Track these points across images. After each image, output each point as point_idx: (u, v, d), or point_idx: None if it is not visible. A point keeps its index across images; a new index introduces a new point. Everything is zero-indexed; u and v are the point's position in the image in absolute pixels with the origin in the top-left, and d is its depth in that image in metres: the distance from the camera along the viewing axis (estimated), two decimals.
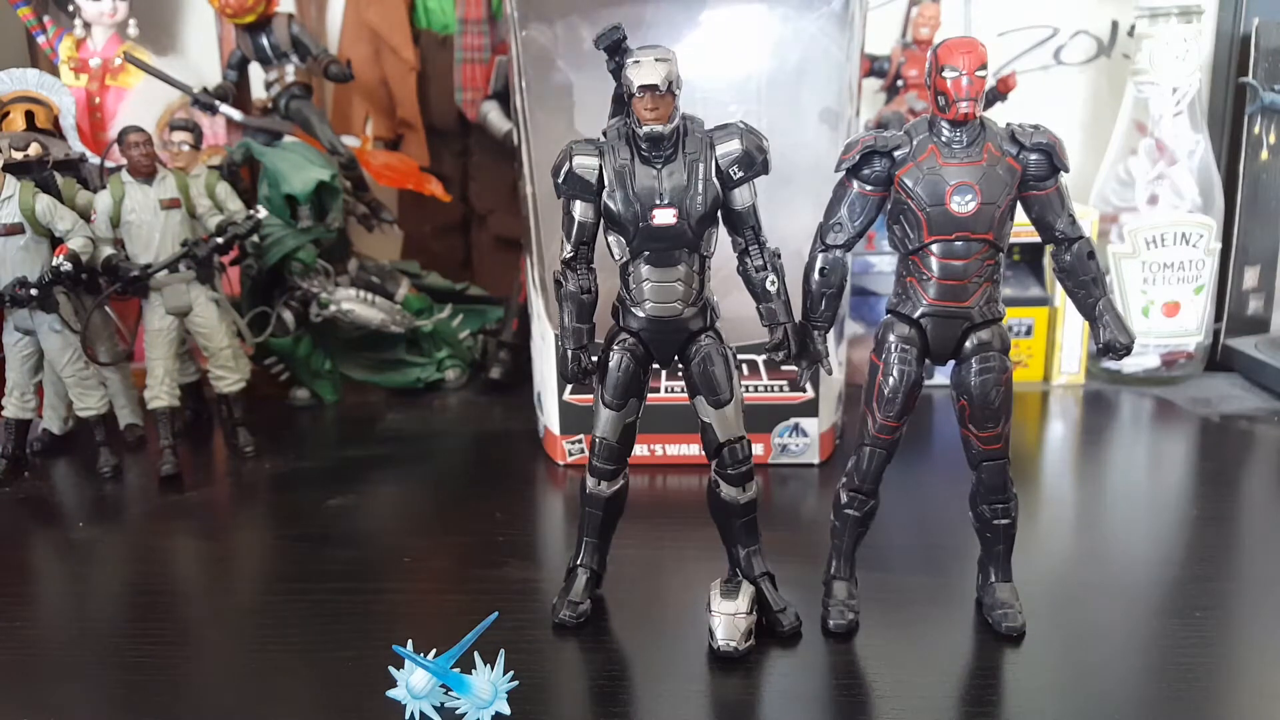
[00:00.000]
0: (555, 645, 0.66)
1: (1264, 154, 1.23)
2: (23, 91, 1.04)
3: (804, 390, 0.94)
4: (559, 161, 0.62)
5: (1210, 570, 0.75)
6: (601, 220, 0.62)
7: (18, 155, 0.92)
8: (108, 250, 0.93)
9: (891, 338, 0.64)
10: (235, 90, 1.17)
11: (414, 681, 0.55)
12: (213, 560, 0.82)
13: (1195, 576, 0.74)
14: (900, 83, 1.24)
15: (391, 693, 0.55)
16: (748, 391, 0.92)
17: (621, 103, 0.63)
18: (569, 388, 0.94)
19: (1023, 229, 0.62)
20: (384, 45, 1.27)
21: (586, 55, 0.95)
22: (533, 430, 1.04)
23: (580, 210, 0.62)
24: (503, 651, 0.56)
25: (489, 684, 0.55)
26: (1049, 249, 0.64)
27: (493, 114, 1.23)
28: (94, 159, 1.04)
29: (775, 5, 0.95)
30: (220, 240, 0.96)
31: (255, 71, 1.19)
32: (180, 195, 0.95)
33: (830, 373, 0.69)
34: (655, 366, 0.66)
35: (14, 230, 0.89)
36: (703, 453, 0.67)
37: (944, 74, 0.59)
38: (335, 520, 0.87)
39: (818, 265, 0.64)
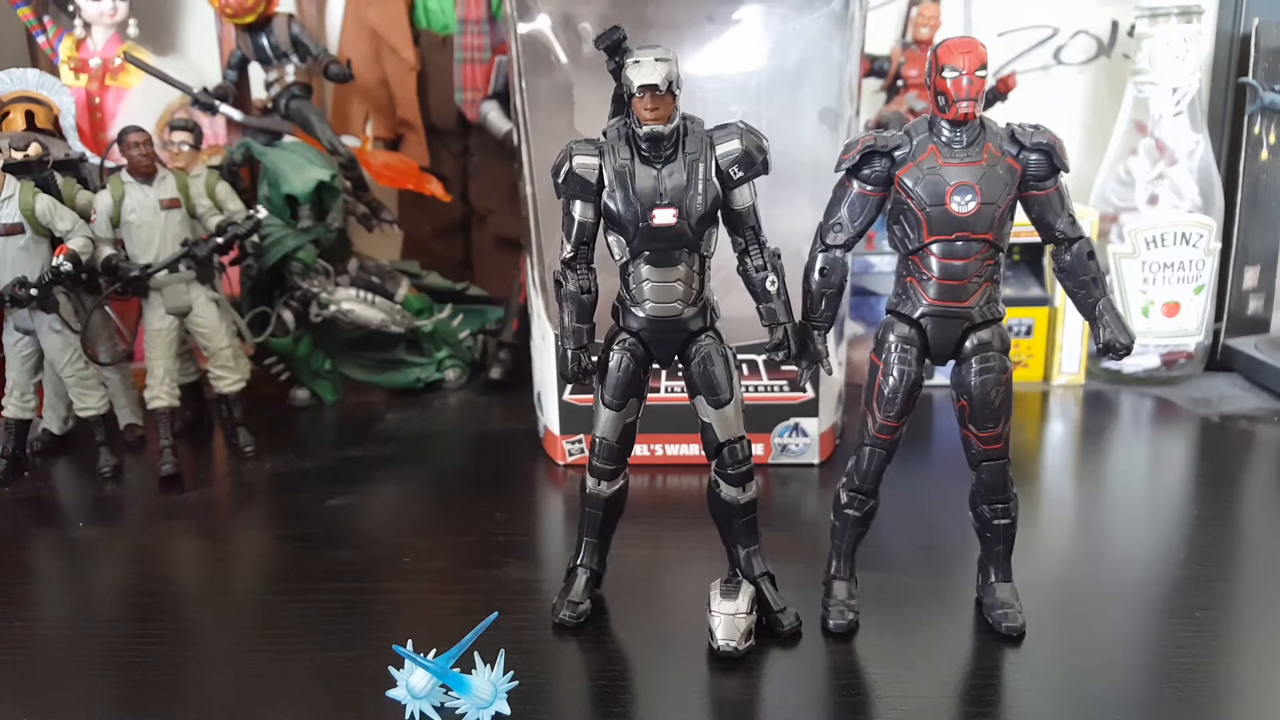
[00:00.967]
0: (555, 645, 0.66)
1: (1264, 154, 1.23)
2: (23, 91, 1.04)
3: (804, 390, 0.94)
4: (559, 161, 0.62)
5: (1210, 570, 0.75)
6: (601, 220, 0.62)
7: (18, 155, 0.92)
8: (108, 250, 0.93)
9: (891, 338, 0.64)
10: (235, 90, 1.17)
11: (414, 681, 0.55)
12: (213, 560, 0.82)
13: (1195, 576, 0.74)
14: (900, 83, 1.24)
15: (391, 693, 0.55)
16: (748, 391, 0.92)
17: (621, 103, 0.63)
18: (569, 388, 0.94)
19: (1023, 229, 0.62)
20: (384, 45, 1.27)
21: (586, 55, 0.95)
22: (533, 430, 1.04)
23: (580, 210, 0.62)
24: (503, 651, 0.56)
25: (489, 684, 0.55)
26: (1049, 249, 0.64)
27: (493, 114, 1.23)
28: (94, 159, 1.04)
29: (775, 5, 0.95)
30: (220, 240, 0.96)
31: (255, 71, 1.19)
32: (180, 195, 0.95)
33: (830, 373, 0.69)
34: (655, 366, 0.66)
35: (14, 230, 0.89)
36: (703, 453, 0.67)
37: (944, 74, 0.59)
38: (335, 520, 0.87)
39: (818, 265, 0.64)
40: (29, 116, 1.01)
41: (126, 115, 1.20)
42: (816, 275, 0.64)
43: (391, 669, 0.56)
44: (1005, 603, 0.66)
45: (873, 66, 1.24)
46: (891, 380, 0.63)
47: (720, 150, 0.61)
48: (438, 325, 1.19)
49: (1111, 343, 0.63)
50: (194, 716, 0.60)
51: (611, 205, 0.61)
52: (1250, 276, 1.26)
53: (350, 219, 1.17)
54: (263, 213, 1.00)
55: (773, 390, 0.94)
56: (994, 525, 0.66)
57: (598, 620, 0.69)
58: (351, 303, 1.12)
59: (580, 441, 0.96)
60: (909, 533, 0.81)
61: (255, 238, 1.05)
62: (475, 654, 0.55)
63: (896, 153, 0.61)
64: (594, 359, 0.66)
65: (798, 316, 0.66)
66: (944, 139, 0.60)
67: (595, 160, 0.61)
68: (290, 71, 1.16)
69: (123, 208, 0.93)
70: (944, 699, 0.59)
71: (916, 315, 0.63)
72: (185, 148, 1.00)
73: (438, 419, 1.12)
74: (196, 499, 0.92)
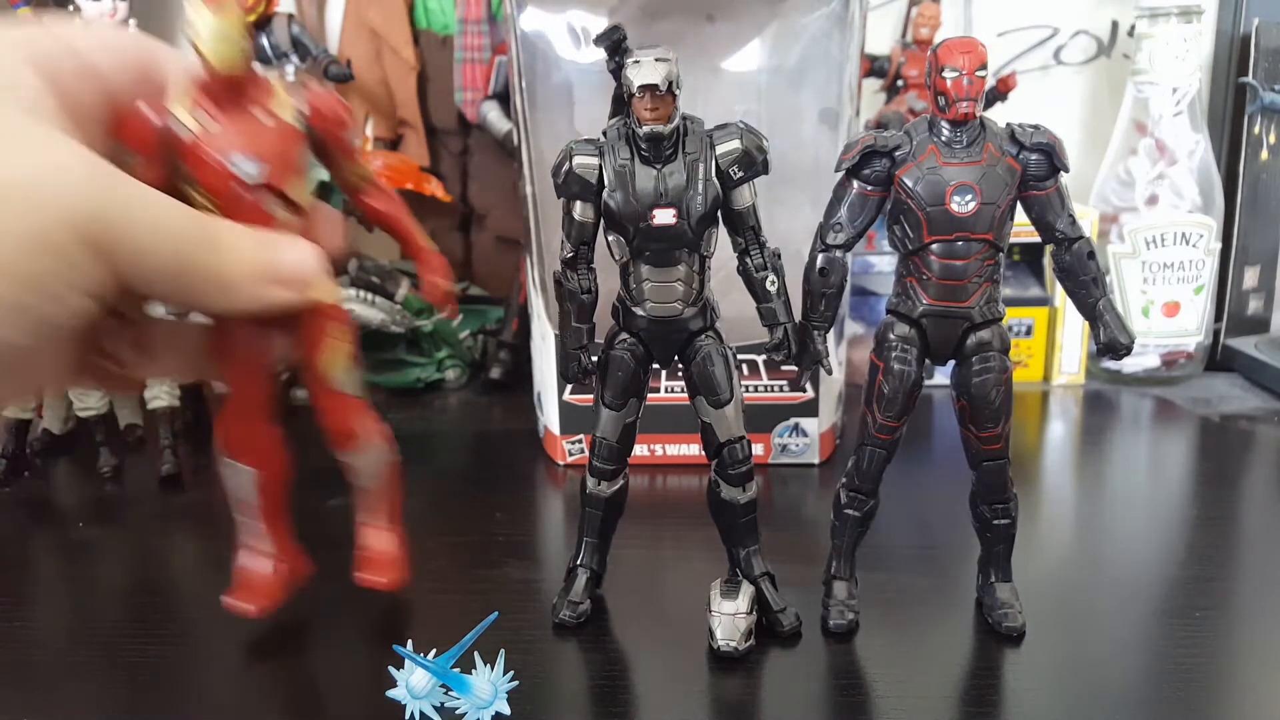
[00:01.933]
0: (555, 645, 0.66)
1: (1264, 154, 1.23)
2: None
3: (804, 390, 0.94)
4: (559, 161, 0.62)
5: (1210, 570, 0.75)
6: (601, 220, 0.62)
7: None
8: None
9: (891, 338, 0.64)
10: None
11: (414, 681, 0.55)
12: (213, 560, 0.82)
13: (1195, 576, 0.74)
14: (900, 83, 1.24)
15: (391, 693, 0.55)
16: (748, 391, 0.92)
17: (621, 103, 0.63)
18: (569, 388, 0.94)
19: (1023, 229, 0.62)
20: (384, 45, 1.27)
21: (586, 55, 0.95)
22: (533, 430, 1.04)
23: (580, 210, 0.62)
24: (503, 651, 0.56)
25: (489, 684, 0.55)
26: (1049, 249, 0.64)
27: (493, 114, 1.23)
28: None
29: (775, 5, 0.95)
30: None
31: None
32: None
33: (830, 373, 0.69)
34: (655, 366, 0.66)
35: None
36: (703, 453, 0.67)
37: (944, 74, 0.59)
38: (335, 520, 0.86)
39: (818, 265, 0.64)
40: None
41: None
42: (816, 275, 0.64)
43: (391, 669, 0.56)
44: (1005, 603, 0.66)
45: (873, 66, 1.24)
46: (891, 380, 0.63)
47: (720, 150, 0.61)
48: (438, 325, 1.19)
49: (1112, 342, 0.63)
50: (194, 717, 0.60)
51: (612, 205, 0.61)
52: (1250, 276, 1.26)
53: (350, 219, 1.17)
54: None
55: (773, 390, 0.94)
56: (994, 525, 0.66)
57: (598, 620, 0.69)
58: (351, 303, 1.12)
59: (580, 441, 0.96)
60: (909, 533, 0.81)
61: None
62: (475, 654, 0.55)
63: (896, 153, 0.61)
64: (594, 359, 0.66)
65: (798, 316, 0.66)
66: (944, 139, 0.60)
67: (595, 160, 0.61)
68: (290, 71, 1.16)
69: None
70: (944, 699, 0.59)
71: (916, 315, 0.63)
72: None
73: (438, 419, 1.12)
74: (196, 499, 0.92)
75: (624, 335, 0.65)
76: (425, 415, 1.12)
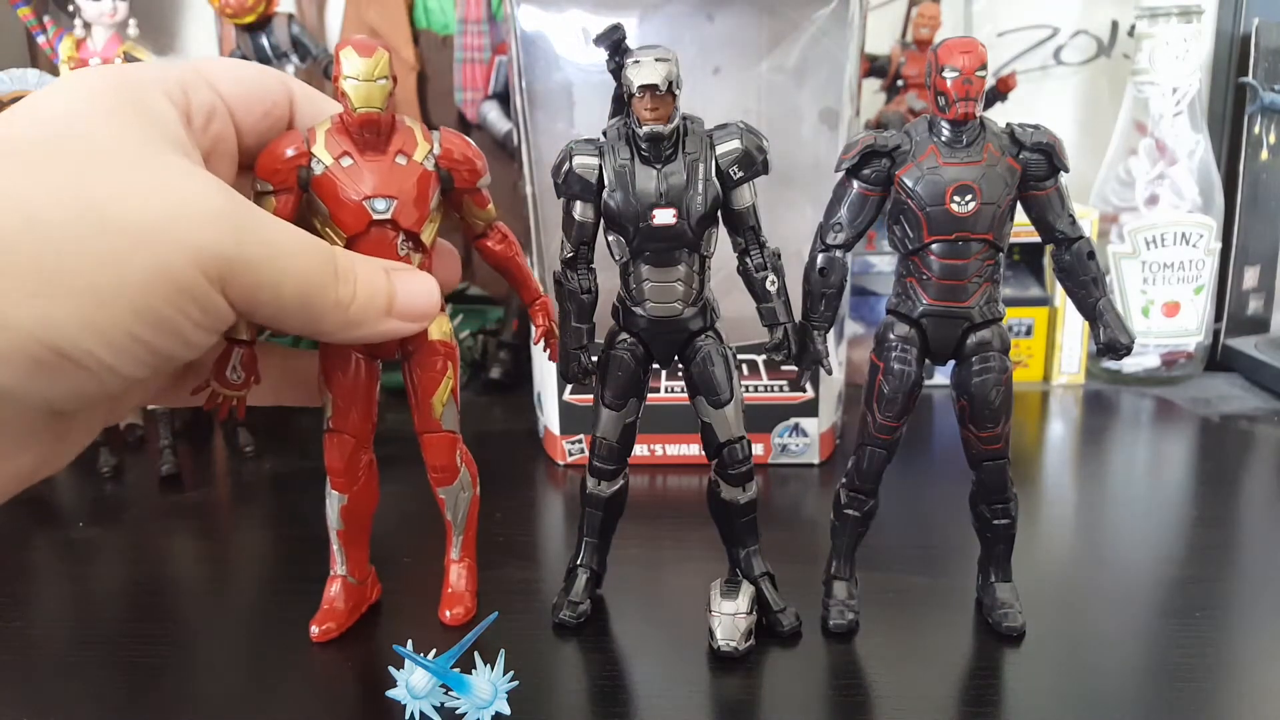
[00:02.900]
0: (555, 645, 0.66)
1: (1264, 154, 1.23)
2: (23, 91, 1.04)
3: (804, 390, 0.94)
4: (559, 161, 0.62)
5: (1210, 570, 0.75)
6: (601, 220, 0.62)
7: None
8: None
9: (891, 337, 0.64)
10: None
11: (414, 681, 0.55)
12: (213, 560, 0.82)
13: (1195, 577, 0.74)
14: (900, 83, 1.24)
15: (391, 693, 0.55)
16: (748, 391, 0.92)
17: (621, 103, 0.63)
18: (569, 388, 0.94)
19: (1023, 229, 0.62)
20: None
21: (586, 55, 0.95)
22: (533, 430, 1.04)
23: (580, 210, 0.62)
24: (503, 651, 0.56)
25: (489, 684, 0.55)
26: (1049, 249, 0.64)
27: (493, 114, 1.23)
28: None
29: (775, 5, 0.95)
30: None
31: None
32: None
33: (830, 373, 0.69)
34: (655, 366, 0.66)
35: None
36: (703, 453, 0.67)
37: (944, 74, 0.59)
38: None
39: (818, 265, 0.64)
40: None
41: None
42: (816, 275, 0.64)
43: (391, 669, 0.56)
44: (1005, 603, 0.66)
45: (873, 66, 1.24)
46: (891, 380, 0.63)
47: (720, 150, 0.61)
48: None
49: (1112, 342, 0.63)
50: (194, 716, 0.60)
51: (612, 205, 0.61)
52: (1250, 276, 1.26)
53: None
54: None
55: (773, 390, 0.94)
56: (994, 525, 0.66)
57: (598, 620, 0.69)
58: None
59: (580, 441, 0.96)
60: (909, 533, 0.81)
61: None
62: (475, 654, 0.55)
63: (896, 153, 0.61)
64: (594, 359, 0.66)
65: (798, 317, 0.66)
66: (944, 139, 0.60)
67: (595, 160, 0.61)
68: (290, 71, 1.16)
69: None
70: (944, 699, 0.59)
71: (916, 315, 0.63)
72: None
73: None
74: (196, 499, 0.92)
75: (624, 335, 0.65)
76: None
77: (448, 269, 0.67)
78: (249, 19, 1.12)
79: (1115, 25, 1.30)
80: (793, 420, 0.94)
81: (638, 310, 0.64)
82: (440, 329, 0.64)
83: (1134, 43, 1.17)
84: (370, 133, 0.59)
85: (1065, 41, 1.31)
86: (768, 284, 0.64)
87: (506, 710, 0.55)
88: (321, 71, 1.15)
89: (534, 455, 1.00)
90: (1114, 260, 1.17)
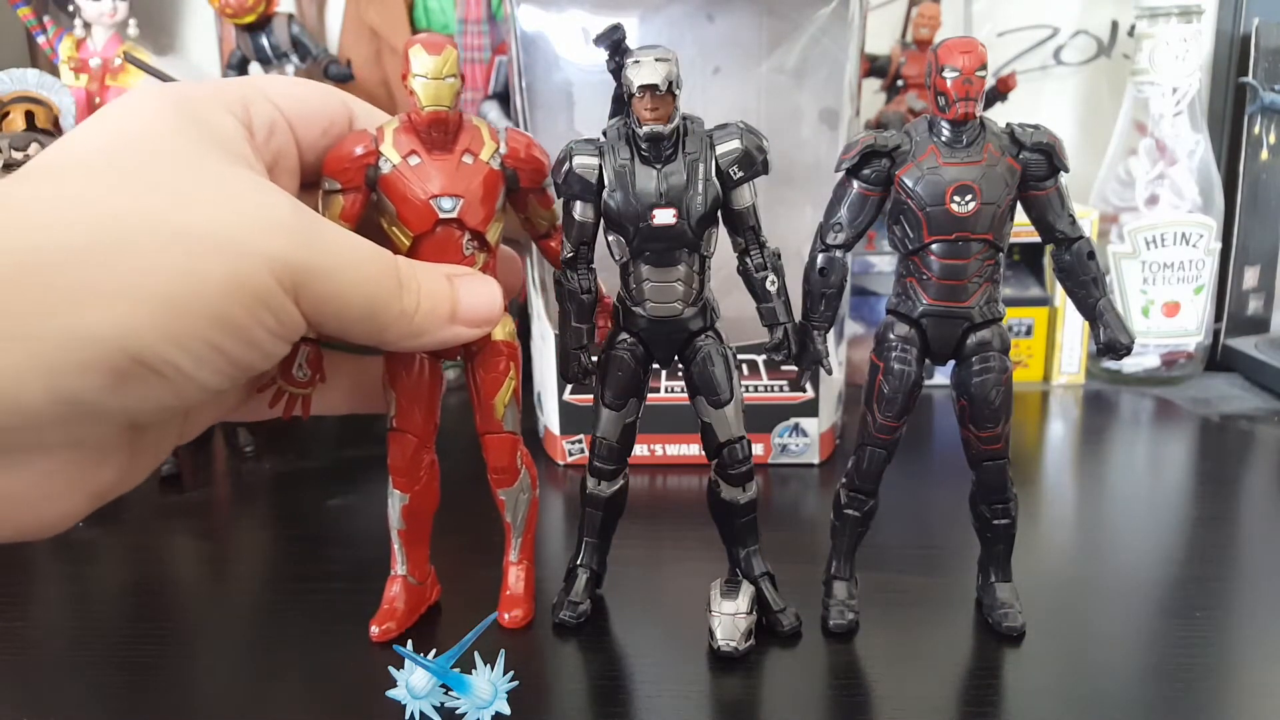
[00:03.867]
0: (555, 645, 0.66)
1: (1264, 154, 1.23)
2: (23, 91, 1.04)
3: (804, 390, 0.94)
4: (559, 161, 0.62)
5: (1210, 570, 0.75)
6: (602, 220, 0.62)
7: (18, 155, 0.92)
8: None
9: (891, 338, 0.64)
10: None
11: (414, 681, 0.55)
12: (213, 560, 0.82)
13: (1195, 576, 0.74)
14: (900, 83, 1.24)
15: (391, 693, 0.55)
16: (748, 391, 0.92)
17: (621, 103, 0.63)
18: (569, 388, 0.94)
19: (1023, 229, 0.62)
20: (384, 45, 1.27)
21: (586, 55, 0.95)
22: (533, 430, 1.04)
23: (580, 210, 0.62)
24: (503, 651, 0.56)
25: (489, 684, 0.55)
26: (1049, 249, 0.64)
27: (493, 114, 1.23)
28: None
29: (775, 5, 0.95)
30: None
31: (255, 71, 1.19)
32: None
33: (830, 373, 0.69)
34: (655, 366, 0.66)
35: None
36: (703, 453, 0.67)
37: (944, 74, 0.59)
38: (335, 520, 0.87)
39: (818, 265, 0.64)
40: (29, 117, 1.01)
41: None
42: (816, 275, 0.64)
43: (391, 669, 0.56)
44: (1005, 603, 0.66)
45: (873, 66, 1.24)
46: (891, 380, 0.63)
47: (720, 150, 0.61)
48: None
49: (1112, 342, 0.63)
50: (193, 716, 0.60)
51: (612, 205, 0.61)
52: (1250, 276, 1.26)
53: None
54: None
55: (773, 390, 0.94)
56: (994, 525, 0.66)
57: (598, 620, 0.69)
58: None
59: (580, 441, 0.96)
60: (909, 533, 0.81)
61: None
62: (475, 654, 0.55)
63: (896, 153, 0.61)
64: (594, 359, 0.66)
65: (798, 316, 0.66)
66: (944, 139, 0.60)
67: (595, 160, 0.61)
68: (290, 71, 1.16)
69: None
70: (944, 699, 0.59)
71: (916, 315, 0.63)
72: None
73: None
74: (196, 499, 0.92)
75: (624, 335, 0.65)
76: None
77: (511, 273, 0.67)
78: (249, 19, 1.12)
79: (1115, 25, 1.30)
80: (793, 420, 0.95)
81: (638, 310, 0.64)
82: (504, 330, 0.64)
83: (1134, 43, 1.17)
84: (438, 131, 0.59)
85: (1065, 41, 1.31)
86: (768, 284, 0.64)
87: (506, 710, 0.55)
88: (322, 71, 1.15)
89: (534, 455, 0.99)
90: (1114, 260, 1.17)
